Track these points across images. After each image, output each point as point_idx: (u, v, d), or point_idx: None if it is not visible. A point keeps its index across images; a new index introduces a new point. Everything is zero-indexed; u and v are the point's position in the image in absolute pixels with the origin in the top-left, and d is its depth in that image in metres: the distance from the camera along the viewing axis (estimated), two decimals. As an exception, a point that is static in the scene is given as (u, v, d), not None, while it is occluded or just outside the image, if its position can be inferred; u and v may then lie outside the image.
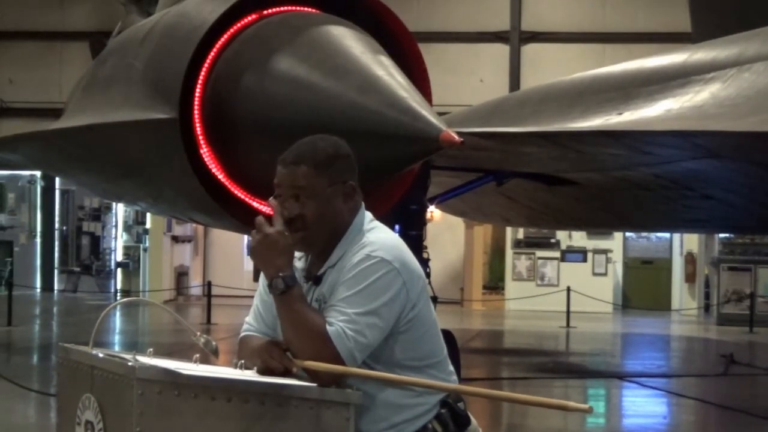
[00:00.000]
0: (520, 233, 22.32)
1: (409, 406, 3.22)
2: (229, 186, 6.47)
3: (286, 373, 3.12)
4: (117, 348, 11.58)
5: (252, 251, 3.23)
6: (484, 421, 9.07)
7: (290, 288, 3.15)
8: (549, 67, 21.64)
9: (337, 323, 3.09)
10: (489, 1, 23.60)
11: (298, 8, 6.54)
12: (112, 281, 24.01)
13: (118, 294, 23.01)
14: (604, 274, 22.06)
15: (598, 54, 22.07)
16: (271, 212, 3.26)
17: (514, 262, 22.44)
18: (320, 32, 5.98)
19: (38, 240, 24.36)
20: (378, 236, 3.24)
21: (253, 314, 3.43)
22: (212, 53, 6.39)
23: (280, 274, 3.15)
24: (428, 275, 8.35)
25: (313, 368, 3.08)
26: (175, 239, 22.77)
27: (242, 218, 6.56)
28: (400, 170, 6.19)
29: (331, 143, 3.27)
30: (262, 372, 3.16)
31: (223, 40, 6.39)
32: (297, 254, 3.30)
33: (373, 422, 3.19)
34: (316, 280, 3.27)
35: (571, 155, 9.25)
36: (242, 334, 3.42)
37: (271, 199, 3.28)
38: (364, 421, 3.16)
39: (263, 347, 3.22)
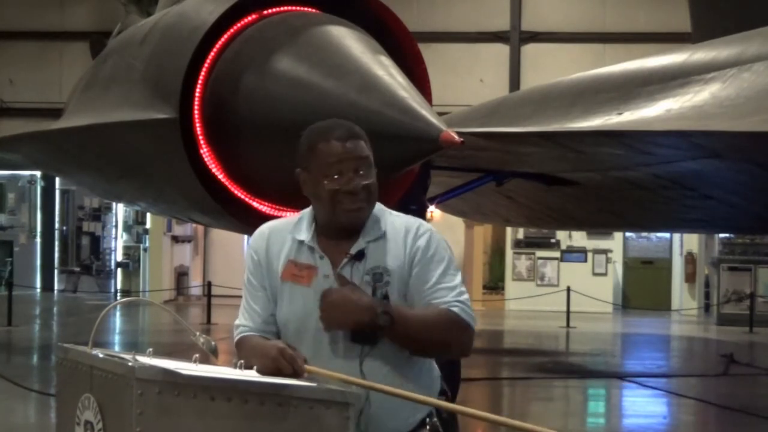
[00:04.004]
0: (520, 233, 22.31)
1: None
2: (229, 186, 6.47)
3: (295, 376, 3.11)
4: (117, 348, 11.58)
5: (328, 313, 3.20)
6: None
7: (393, 314, 3.17)
8: (549, 67, 21.63)
9: (453, 301, 3.24)
10: (489, 1, 23.59)
11: (298, 8, 6.55)
12: (112, 281, 24.02)
13: (118, 294, 23.01)
14: (604, 274, 22.06)
15: (598, 54, 22.07)
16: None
17: (514, 262, 22.44)
18: (320, 32, 5.98)
19: (38, 240, 24.36)
20: (402, 214, 3.43)
21: (245, 314, 3.40)
22: (212, 53, 6.39)
23: (378, 311, 3.16)
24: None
25: (321, 375, 3.12)
26: (175, 239, 22.76)
27: (242, 218, 6.56)
28: (399, 170, 6.18)
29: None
30: (264, 372, 3.15)
31: (222, 40, 6.39)
32: (302, 226, 3.34)
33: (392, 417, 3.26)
34: (359, 256, 3.28)
35: (571, 155, 9.24)
36: (239, 336, 3.39)
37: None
38: (384, 417, 3.23)
39: (274, 350, 3.18)
